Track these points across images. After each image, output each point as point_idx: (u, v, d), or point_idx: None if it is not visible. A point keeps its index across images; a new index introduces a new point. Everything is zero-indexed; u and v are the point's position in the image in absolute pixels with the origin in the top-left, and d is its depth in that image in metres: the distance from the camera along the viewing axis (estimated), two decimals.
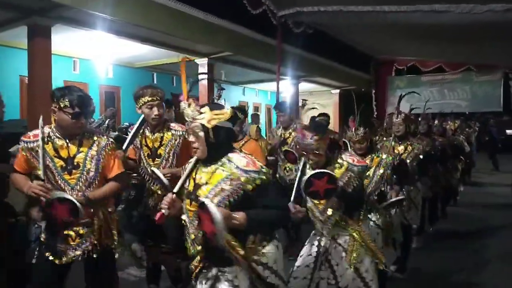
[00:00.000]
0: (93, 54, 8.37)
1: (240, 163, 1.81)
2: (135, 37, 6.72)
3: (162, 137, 2.94)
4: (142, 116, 2.95)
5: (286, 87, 12.67)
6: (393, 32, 7.82)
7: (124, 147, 2.86)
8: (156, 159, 2.93)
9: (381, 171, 2.87)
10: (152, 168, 2.73)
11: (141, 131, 2.98)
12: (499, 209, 7.02)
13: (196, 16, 6.86)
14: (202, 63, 8.26)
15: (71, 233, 2.26)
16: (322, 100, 13.24)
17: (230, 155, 1.86)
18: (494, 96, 11.19)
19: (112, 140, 2.42)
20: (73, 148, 2.26)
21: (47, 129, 2.26)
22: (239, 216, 1.73)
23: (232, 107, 4.05)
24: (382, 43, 9.75)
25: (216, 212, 1.60)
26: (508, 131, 17.67)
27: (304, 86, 13.25)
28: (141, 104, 2.88)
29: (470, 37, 7.28)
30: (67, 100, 2.16)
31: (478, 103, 11.67)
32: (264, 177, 1.81)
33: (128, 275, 4.03)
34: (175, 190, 1.87)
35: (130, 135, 2.95)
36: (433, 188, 5.01)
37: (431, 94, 11.95)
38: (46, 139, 2.22)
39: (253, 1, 6.92)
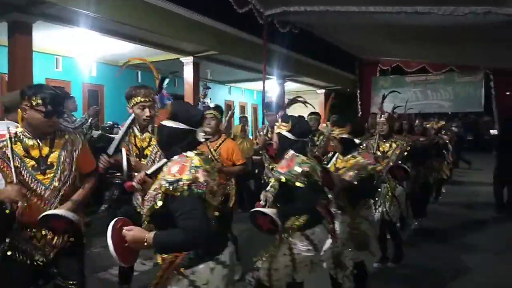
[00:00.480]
0: (76, 52, 8.23)
1: (169, 168, 1.69)
2: (118, 35, 6.63)
3: (150, 138, 2.93)
4: (132, 116, 2.90)
5: (272, 87, 12.70)
6: (378, 32, 7.91)
7: (111, 150, 2.76)
8: (143, 159, 2.92)
9: None
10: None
11: (130, 130, 2.95)
12: (479, 207, 7.19)
13: (181, 14, 6.81)
14: (188, 62, 8.21)
15: (38, 233, 2.21)
16: (308, 99, 13.27)
17: (174, 157, 1.75)
18: (476, 96, 11.42)
19: (82, 136, 2.40)
20: (45, 148, 2.20)
21: (14, 129, 2.19)
22: (146, 237, 1.62)
23: (205, 106, 4.03)
24: (367, 44, 9.85)
25: (126, 233, 1.65)
26: (492, 131, 18.06)
27: (290, 85, 13.29)
28: (133, 104, 2.83)
29: (452, 38, 7.42)
30: (39, 98, 2.09)
31: (460, 104, 11.89)
32: (179, 186, 1.60)
33: (111, 275, 3.98)
34: (148, 172, 1.90)
35: (119, 136, 2.90)
36: (413, 185, 5.12)
37: (414, 95, 12.14)
38: (14, 139, 2.15)
39: (239, 0, 6.90)
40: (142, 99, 2.79)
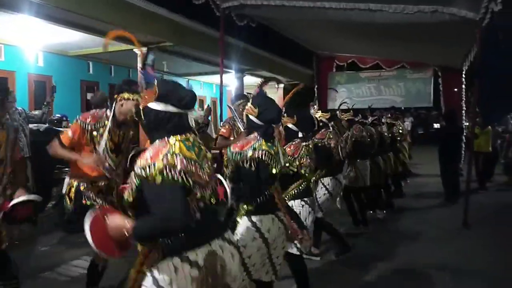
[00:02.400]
0: (21, 40, 7.74)
1: (144, 154, 1.59)
2: (66, 23, 6.31)
3: (125, 133, 3.00)
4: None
5: (231, 80, 12.63)
6: (333, 28, 8.03)
7: (101, 148, 2.84)
8: (119, 154, 2.98)
9: None
10: None
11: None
12: (426, 197, 7.57)
13: (134, 3, 6.59)
14: (140, 53, 7.95)
15: None
16: (273, 93, 13.36)
17: (155, 143, 1.64)
18: (425, 92, 11.95)
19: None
20: None
21: None
22: (127, 225, 1.55)
23: None
24: (323, 39, 9.99)
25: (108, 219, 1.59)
26: (436, 125, 19.06)
27: (250, 79, 13.28)
28: (120, 98, 2.83)
29: (402, 36, 7.68)
30: None
31: (411, 99, 12.41)
32: (150, 173, 1.51)
33: (59, 275, 3.82)
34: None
35: (105, 133, 2.86)
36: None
37: (369, 90, 12.53)
38: None
39: None
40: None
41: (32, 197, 2.25)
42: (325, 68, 12.67)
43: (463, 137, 8.96)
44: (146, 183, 1.53)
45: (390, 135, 6.85)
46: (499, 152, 9.46)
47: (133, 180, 1.58)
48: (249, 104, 2.49)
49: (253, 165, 2.28)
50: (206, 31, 8.77)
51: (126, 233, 1.54)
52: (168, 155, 1.55)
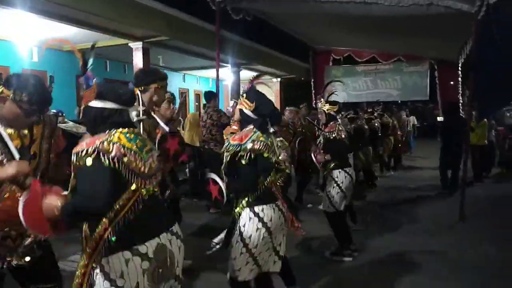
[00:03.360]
0: (15, 35, 7.68)
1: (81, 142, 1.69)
2: (60, 18, 6.27)
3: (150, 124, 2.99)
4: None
5: (227, 75, 12.60)
6: (329, 22, 8.01)
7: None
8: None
9: None
10: None
11: None
12: (425, 189, 7.62)
13: None
14: (137, 47, 7.93)
15: (12, 232, 2.03)
16: (263, 88, 13.33)
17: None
18: (422, 85, 11.94)
19: None
20: (26, 137, 2.08)
21: None
22: (57, 203, 1.60)
23: None
24: (319, 33, 9.96)
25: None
26: (439, 118, 19.11)
27: (246, 74, 13.24)
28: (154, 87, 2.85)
29: (398, 29, 7.66)
30: (25, 95, 1.95)
31: (408, 92, 12.40)
32: (81, 156, 1.59)
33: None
34: None
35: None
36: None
37: (365, 84, 12.52)
38: None
39: None
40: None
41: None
42: (322, 62, 12.63)
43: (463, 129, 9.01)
44: (77, 167, 1.60)
45: (369, 129, 6.93)
46: (495, 145, 9.51)
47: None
48: (243, 98, 2.52)
49: (252, 157, 2.34)
50: (202, 25, 8.73)
51: (56, 211, 1.58)
52: (105, 142, 1.62)
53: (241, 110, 2.53)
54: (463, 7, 5.53)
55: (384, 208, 6.16)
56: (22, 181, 1.80)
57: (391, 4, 5.90)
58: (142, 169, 1.69)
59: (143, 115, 2.84)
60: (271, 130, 2.97)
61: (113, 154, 1.60)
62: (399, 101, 16.87)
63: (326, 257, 4.17)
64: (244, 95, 2.54)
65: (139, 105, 2.81)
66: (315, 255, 4.26)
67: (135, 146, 1.69)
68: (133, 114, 1.80)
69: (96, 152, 1.58)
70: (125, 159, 1.63)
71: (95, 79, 1.77)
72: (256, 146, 2.35)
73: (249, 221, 2.39)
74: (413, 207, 6.41)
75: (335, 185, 4.07)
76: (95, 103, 1.73)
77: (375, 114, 7.29)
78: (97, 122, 1.73)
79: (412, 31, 7.76)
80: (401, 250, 4.41)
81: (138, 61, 8.06)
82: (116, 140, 1.65)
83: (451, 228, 5.27)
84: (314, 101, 12.89)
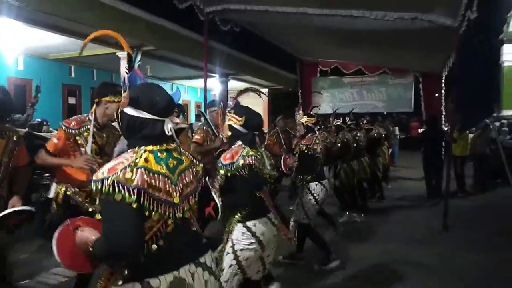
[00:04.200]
0: (0, 43, 7.59)
1: (105, 165, 1.47)
2: (46, 26, 6.24)
3: (108, 135, 3.02)
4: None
5: (215, 85, 12.64)
6: (316, 34, 8.12)
7: (89, 149, 2.87)
8: (104, 156, 2.98)
9: None
10: None
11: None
12: (409, 200, 7.71)
13: (115, 6, 6.55)
14: (124, 56, 7.87)
15: None
16: (251, 98, 13.41)
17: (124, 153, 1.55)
18: (406, 98, 12.16)
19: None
20: None
21: None
22: (91, 238, 1.46)
23: None
24: (307, 45, 10.08)
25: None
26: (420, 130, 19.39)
27: (234, 84, 13.32)
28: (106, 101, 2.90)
29: (384, 42, 7.82)
30: None
31: (393, 104, 12.62)
32: (103, 188, 1.37)
33: (38, 283, 3.74)
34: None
35: (90, 137, 2.90)
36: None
37: (351, 95, 12.69)
38: None
39: None
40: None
41: (26, 208, 2.27)
42: (309, 73, 12.76)
43: (443, 141, 9.19)
44: (100, 198, 1.40)
45: (367, 139, 6.99)
46: (490, 157, 9.52)
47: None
48: (231, 114, 2.55)
49: (245, 172, 2.37)
50: (190, 35, 8.78)
51: (90, 248, 1.45)
52: (128, 168, 1.40)
53: (230, 126, 2.55)
54: (445, 22, 5.69)
55: (368, 218, 6.20)
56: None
57: (377, 18, 6.03)
58: (173, 194, 1.49)
59: (96, 128, 2.90)
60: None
61: (134, 183, 1.37)
62: (385, 113, 17.13)
63: (315, 270, 4.14)
64: (232, 110, 2.57)
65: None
66: (301, 267, 4.26)
67: (165, 168, 1.48)
68: (169, 126, 1.54)
69: (116, 185, 1.36)
70: (150, 188, 1.41)
71: (142, 78, 1.58)
72: (248, 162, 2.37)
73: (241, 236, 2.42)
74: (397, 217, 6.47)
75: (311, 197, 4.11)
76: (129, 110, 1.50)
77: (364, 127, 7.37)
78: (130, 132, 1.53)
79: (397, 44, 7.93)
80: (385, 260, 4.44)
81: (125, 70, 8.03)
82: (142, 163, 1.42)
83: (435, 238, 5.33)
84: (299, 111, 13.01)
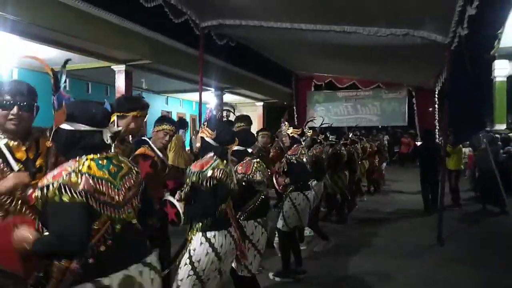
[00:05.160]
0: None
1: (48, 174, 1.57)
2: (41, 40, 6.25)
3: (123, 150, 2.93)
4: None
5: (211, 98, 12.68)
6: (310, 49, 8.21)
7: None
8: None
9: None
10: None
11: None
12: (404, 213, 7.70)
13: (111, 21, 6.61)
14: (119, 70, 7.94)
15: None
16: (247, 112, 13.48)
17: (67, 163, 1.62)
18: (400, 112, 12.29)
19: None
20: (31, 149, 2.00)
21: None
22: (31, 238, 1.50)
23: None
24: (301, 59, 10.19)
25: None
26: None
27: (229, 97, 13.37)
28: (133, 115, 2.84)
29: (377, 57, 7.93)
30: None
31: (387, 118, 12.73)
32: (49, 192, 1.46)
33: None
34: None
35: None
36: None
37: (346, 109, 12.79)
38: None
39: (175, 10, 6.80)
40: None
41: None
42: (304, 87, 12.88)
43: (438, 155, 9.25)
44: (46, 202, 1.49)
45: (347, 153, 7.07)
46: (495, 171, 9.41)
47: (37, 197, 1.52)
48: (204, 127, 2.62)
49: (212, 184, 2.39)
50: (186, 49, 8.84)
51: (27, 246, 1.49)
52: (73, 174, 1.50)
53: (202, 138, 2.62)
54: (437, 38, 5.79)
55: (361, 232, 6.18)
56: (22, 193, 1.77)
57: (370, 34, 6.12)
58: (116, 198, 1.59)
59: (117, 141, 2.81)
60: (249, 150, 3.05)
61: (80, 187, 1.49)
62: (379, 126, 17.24)
63: (270, 278, 4.14)
64: (206, 123, 2.63)
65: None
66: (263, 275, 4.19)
67: (107, 174, 1.59)
68: (107, 135, 1.66)
69: (63, 188, 1.46)
70: (95, 192, 1.52)
71: (68, 98, 1.65)
72: (216, 174, 2.40)
73: (199, 246, 2.42)
74: (390, 230, 6.46)
75: (292, 206, 4.13)
76: (66, 126, 1.60)
77: (347, 141, 7.47)
78: (68, 146, 1.62)
79: (390, 59, 8.04)
80: (378, 274, 4.41)
81: (120, 83, 8.06)
82: (85, 170, 1.53)
83: (429, 251, 5.31)
84: (296, 125, 13.08)
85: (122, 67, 7.94)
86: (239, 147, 3.02)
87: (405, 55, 7.16)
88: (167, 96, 14.40)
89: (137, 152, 2.93)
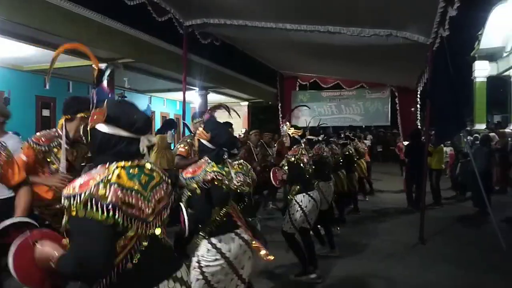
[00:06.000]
0: None
1: (75, 181, 1.43)
2: (19, 37, 6.08)
3: (77, 151, 2.92)
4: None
5: (195, 97, 12.59)
6: (295, 49, 8.22)
7: (62, 167, 2.73)
8: (73, 172, 2.83)
9: None
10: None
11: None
12: (386, 213, 7.79)
13: (92, 18, 6.47)
14: (95, 70, 7.78)
15: None
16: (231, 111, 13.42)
17: (96, 168, 1.50)
18: (383, 111, 12.42)
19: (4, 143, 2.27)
20: None
21: None
22: (55, 255, 1.41)
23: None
24: (286, 59, 10.21)
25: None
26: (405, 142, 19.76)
27: (214, 97, 13.30)
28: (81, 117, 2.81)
29: (361, 57, 7.99)
30: None
31: (370, 118, 12.85)
32: (74, 204, 1.33)
33: None
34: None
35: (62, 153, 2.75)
36: None
37: (330, 109, 12.87)
38: None
39: (158, 8, 6.71)
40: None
41: (27, 219, 1.99)
42: (289, 87, 12.90)
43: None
44: (70, 215, 1.36)
45: (343, 153, 7.08)
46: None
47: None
48: (200, 129, 2.55)
49: (206, 187, 2.34)
50: (169, 48, 8.75)
51: (52, 264, 1.39)
52: (101, 184, 1.37)
53: (199, 141, 2.57)
54: (419, 39, 5.87)
55: (344, 232, 6.22)
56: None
57: (353, 34, 6.17)
58: (146, 210, 1.47)
59: (67, 144, 2.76)
60: (235, 152, 3.00)
61: (108, 200, 1.35)
62: (363, 126, 17.41)
63: (291, 280, 4.14)
64: (202, 125, 2.58)
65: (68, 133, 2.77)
66: (280, 278, 4.21)
67: (137, 184, 1.46)
68: (144, 144, 1.54)
69: (89, 201, 1.33)
70: (124, 205, 1.39)
71: (109, 95, 1.56)
72: (209, 177, 2.35)
73: (207, 253, 2.37)
74: (373, 230, 6.51)
75: (299, 208, 4.10)
76: (103, 127, 1.48)
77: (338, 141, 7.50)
78: (102, 150, 1.49)
79: (373, 60, 8.11)
80: (361, 275, 4.43)
81: (102, 82, 7.91)
82: (114, 179, 1.39)
83: (412, 251, 5.38)
84: (281, 124, 13.11)
85: (103, 66, 7.80)
86: (207, 143, 2.98)
87: (388, 55, 7.24)
88: (151, 96, 14.24)
89: None
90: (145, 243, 1.48)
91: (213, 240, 2.38)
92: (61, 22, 5.96)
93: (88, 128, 1.52)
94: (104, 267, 1.36)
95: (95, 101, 1.50)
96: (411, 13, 5.34)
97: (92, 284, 1.43)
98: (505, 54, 14.18)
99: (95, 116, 1.49)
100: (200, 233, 2.42)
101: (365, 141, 12.51)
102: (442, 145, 8.94)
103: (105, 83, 1.59)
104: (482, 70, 15.17)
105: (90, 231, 1.33)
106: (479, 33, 14.41)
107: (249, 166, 3.15)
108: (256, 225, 3.09)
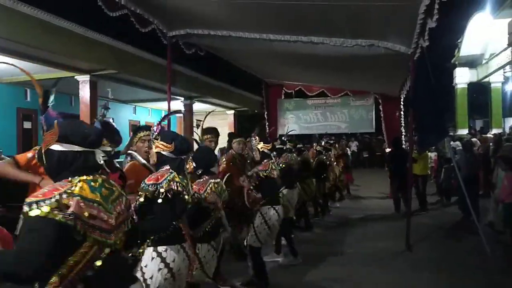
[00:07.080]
0: None
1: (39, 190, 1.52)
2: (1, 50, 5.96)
3: None
4: None
5: (180, 107, 12.51)
6: (279, 58, 8.28)
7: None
8: None
9: None
10: None
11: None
12: (372, 218, 7.83)
13: (74, 30, 6.41)
14: (84, 80, 7.69)
15: None
16: (218, 120, 13.39)
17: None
18: (368, 118, 12.58)
19: None
20: None
21: None
22: None
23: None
24: (271, 68, 10.26)
25: None
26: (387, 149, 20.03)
27: (199, 106, 13.24)
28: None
29: (344, 66, 8.09)
30: None
31: (355, 125, 13.00)
32: (35, 209, 1.38)
33: None
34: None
35: None
36: None
37: (315, 116, 12.97)
38: None
39: (141, 19, 6.68)
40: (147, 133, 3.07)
41: None
42: (274, 95, 12.98)
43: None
44: (25, 217, 1.39)
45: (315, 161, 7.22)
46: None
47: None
48: (157, 141, 2.54)
49: (168, 196, 2.32)
50: (153, 59, 8.70)
51: None
52: (64, 194, 1.43)
53: (159, 153, 2.54)
54: (400, 49, 5.97)
55: (330, 239, 6.23)
56: None
57: (336, 44, 6.23)
58: (109, 221, 1.53)
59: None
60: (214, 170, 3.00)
61: (71, 210, 1.41)
62: (349, 133, 17.57)
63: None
64: (158, 137, 2.55)
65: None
66: None
67: (99, 197, 1.53)
68: (100, 156, 1.60)
69: (56, 202, 1.39)
70: (86, 214, 1.45)
71: (57, 118, 1.59)
72: (174, 187, 2.34)
73: (151, 261, 2.32)
74: (360, 236, 6.54)
75: (263, 221, 4.09)
76: (57, 147, 1.54)
77: (316, 148, 7.65)
78: (60, 168, 1.55)
79: (357, 68, 8.22)
80: (348, 282, 4.43)
81: (85, 93, 7.80)
82: (77, 191, 1.47)
83: (398, 257, 5.39)
84: (267, 132, 13.13)
85: (86, 77, 7.69)
86: (198, 169, 2.97)
87: (371, 64, 7.34)
88: (135, 106, 14.11)
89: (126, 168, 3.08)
90: (106, 251, 1.52)
91: (159, 248, 2.34)
92: (42, 34, 5.87)
93: (43, 151, 1.57)
94: (42, 267, 1.37)
95: (44, 127, 1.58)
96: (392, 24, 5.43)
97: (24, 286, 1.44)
98: (484, 61, 14.53)
99: (48, 138, 1.56)
100: (146, 241, 2.33)
101: (351, 146, 12.66)
102: (427, 151, 9.07)
103: (50, 107, 1.64)
104: (462, 77, 15.52)
105: (43, 229, 1.37)
106: (459, 41, 14.76)
107: (224, 187, 3.13)
108: (219, 247, 3.04)
